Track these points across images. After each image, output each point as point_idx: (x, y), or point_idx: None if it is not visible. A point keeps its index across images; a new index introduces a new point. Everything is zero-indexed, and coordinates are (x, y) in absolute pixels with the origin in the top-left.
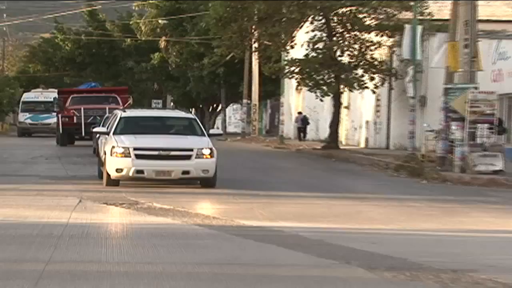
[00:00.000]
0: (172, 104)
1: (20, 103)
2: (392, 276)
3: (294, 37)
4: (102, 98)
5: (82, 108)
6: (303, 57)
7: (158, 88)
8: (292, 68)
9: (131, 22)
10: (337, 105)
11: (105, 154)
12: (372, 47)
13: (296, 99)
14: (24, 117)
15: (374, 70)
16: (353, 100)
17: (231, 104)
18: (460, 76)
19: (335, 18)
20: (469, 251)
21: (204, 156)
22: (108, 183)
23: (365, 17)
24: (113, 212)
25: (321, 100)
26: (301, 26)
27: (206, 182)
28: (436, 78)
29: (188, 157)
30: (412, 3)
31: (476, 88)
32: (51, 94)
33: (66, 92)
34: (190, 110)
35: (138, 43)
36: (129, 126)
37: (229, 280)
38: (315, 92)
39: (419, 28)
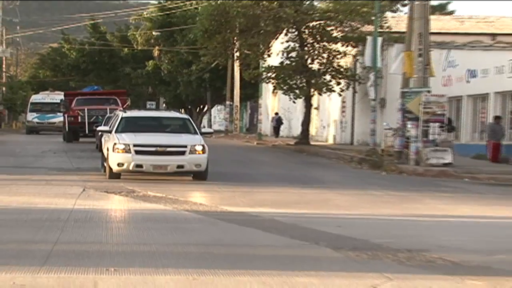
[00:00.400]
0: (164, 105)
1: (29, 104)
2: (355, 255)
3: (270, 47)
4: (104, 100)
5: (86, 109)
6: (279, 65)
7: (152, 91)
8: (269, 74)
9: (128, 34)
10: (308, 106)
11: (108, 150)
12: (339, 56)
13: (272, 101)
14: (31, 117)
15: (340, 76)
16: (322, 102)
17: (216, 105)
18: (415, 81)
19: (306, 30)
20: (422, 233)
21: (197, 152)
22: (110, 176)
23: (332, 29)
24: (113, 200)
25: (294, 102)
26: (277, 38)
27: (199, 176)
28: (394, 83)
29: (183, 153)
30: (373, 18)
31: (428, 91)
32: (56, 96)
33: (72, 94)
34: (180, 110)
35: (134, 52)
36: (129, 125)
37: (214, 259)
38: (289, 95)
39: (379, 40)
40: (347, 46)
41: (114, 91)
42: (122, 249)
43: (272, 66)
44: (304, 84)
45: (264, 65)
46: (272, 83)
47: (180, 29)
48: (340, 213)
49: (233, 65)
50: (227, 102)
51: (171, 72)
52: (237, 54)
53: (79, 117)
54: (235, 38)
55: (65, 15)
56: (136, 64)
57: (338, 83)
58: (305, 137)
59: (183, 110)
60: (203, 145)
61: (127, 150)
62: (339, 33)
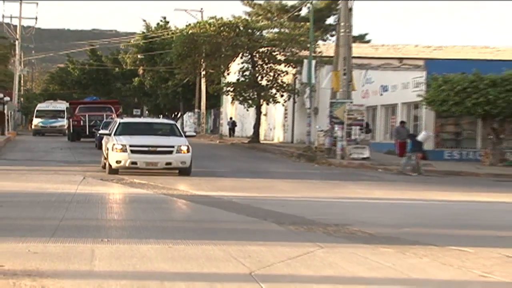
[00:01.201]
0: (147, 112)
1: (35, 111)
2: (294, 229)
3: (229, 67)
4: (101, 108)
5: (86, 115)
6: (235, 81)
7: (137, 101)
8: (228, 88)
9: (119, 57)
10: (258, 113)
11: (108, 150)
12: (282, 74)
13: (230, 109)
14: (37, 121)
15: (283, 90)
16: (269, 110)
17: (187, 112)
18: (341, 94)
19: (257, 54)
20: (346, 212)
21: (182, 152)
22: (110, 172)
23: (277, 54)
24: (106, 186)
25: (247, 110)
26: (234, 60)
27: (183, 171)
28: (325, 95)
29: (170, 152)
30: (308, 45)
31: (351, 102)
32: (58, 105)
33: (75, 103)
34: (159, 116)
35: (123, 71)
36: (125, 129)
37: (185, 232)
38: (243, 105)
39: (313, 62)
40: (288, 66)
41: (109, 101)
42: (114, 224)
43: (230, 82)
44: (255, 96)
45: (224, 82)
46: (231, 95)
47: (159, 53)
48: (283, 196)
49: (200, 81)
50: (196, 110)
51: (152, 87)
52: (204, 73)
53: (81, 121)
54: (202, 60)
55: (70, 42)
56: (125, 80)
57: (282, 95)
58: (256, 137)
59: (161, 116)
60: (187, 146)
61: (124, 150)
62: (282, 56)
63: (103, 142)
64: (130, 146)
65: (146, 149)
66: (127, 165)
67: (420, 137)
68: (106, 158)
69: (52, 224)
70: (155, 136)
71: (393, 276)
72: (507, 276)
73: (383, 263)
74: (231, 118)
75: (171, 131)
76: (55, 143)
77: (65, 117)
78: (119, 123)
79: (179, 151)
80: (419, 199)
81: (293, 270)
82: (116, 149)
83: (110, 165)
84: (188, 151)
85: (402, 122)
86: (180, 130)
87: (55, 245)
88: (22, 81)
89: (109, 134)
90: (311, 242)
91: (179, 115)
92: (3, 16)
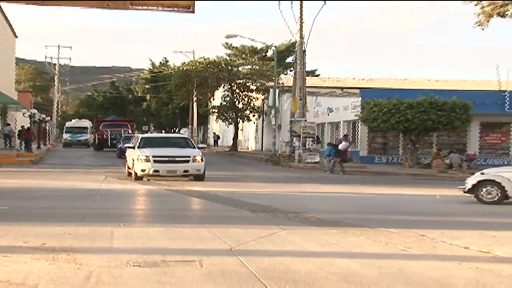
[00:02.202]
0: (153, 128)
1: (64, 127)
2: (264, 215)
3: (214, 94)
4: (120, 125)
5: (108, 130)
6: (219, 105)
7: (146, 120)
8: (213, 110)
9: (131, 86)
10: (236, 128)
11: (133, 160)
12: (254, 100)
13: (215, 125)
14: (66, 136)
15: (254, 111)
16: (244, 126)
17: (182, 128)
18: (298, 114)
19: (235, 85)
20: (302, 202)
21: (197, 161)
22: (136, 179)
23: (250, 84)
24: (123, 184)
25: (228, 126)
26: (218, 89)
27: (198, 177)
28: (286, 115)
29: (187, 161)
30: (273, 78)
31: (305, 120)
32: (82, 123)
33: (100, 121)
34: (162, 131)
35: (135, 97)
36: (147, 143)
37: (181, 218)
38: (225, 122)
39: (277, 90)
40: (258, 94)
41: (125, 119)
42: (128, 212)
43: (215, 105)
44: (234, 116)
45: (210, 105)
46: (215, 115)
47: (162, 84)
48: (255, 190)
49: (193, 105)
50: (189, 126)
51: (157, 109)
52: (195, 98)
53: (104, 135)
54: (194, 89)
55: (95, 76)
56: (136, 104)
57: (254, 115)
58: (234, 146)
59: (164, 131)
60: (201, 156)
61: (147, 160)
62: (254, 86)
63: (127, 153)
64: (153, 156)
65: (166, 159)
66: (150, 173)
67: (340, 146)
68: (130, 167)
69: (82, 212)
70: (173, 148)
71: (337, 251)
72: (422, 249)
73: (330, 240)
74: (214, 133)
75: (186, 143)
76: (83, 152)
77: (88, 132)
78: (141, 137)
79: (194, 160)
80: (356, 192)
81: (263, 246)
82: (141, 159)
83: (135, 173)
84: (202, 160)
85: (345, 135)
86: (194, 143)
87: (84, 228)
88: (59, 105)
89: (133, 147)
90: (276, 225)
91: (177, 130)
92: (45, 57)
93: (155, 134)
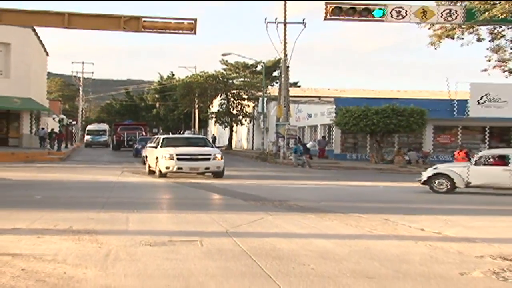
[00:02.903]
0: (162, 131)
1: (86, 130)
2: (254, 203)
3: (212, 102)
4: (135, 128)
5: (125, 133)
6: (217, 111)
7: (155, 124)
8: (212, 116)
9: (144, 96)
10: (230, 131)
11: (156, 158)
12: (246, 106)
13: (214, 128)
14: (87, 137)
15: (246, 117)
16: (238, 129)
17: (186, 130)
18: (282, 119)
19: (230, 94)
20: (286, 192)
21: (217, 159)
22: (160, 176)
23: (242, 94)
24: (136, 177)
25: (224, 129)
26: (215, 98)
27: (218, 174)
28: (272, 120)
29: (208, 159)
30: (262, 89)
31: (289, 124)
32: (101, 126)
33: (117, 125)
34: (169, 132)
35: (147, 105)
36: (168, 142)
37: (185, 205)
38: (222, 126)
39: (265, 99)
40: (250, 102)
41: (140, 123)
42: (141, 201)
43: (213, 111)
44: (229, 121)
45: (209, 111)
46: (214, 120)
47: (169, 94)
48: (247, 182)
49: (195, 111)
50: (192, 129)
51: (165, 115)
52: (197, 106)
53: (121, 137)
54: (195, 98)
55: (113, 87)
56: (148, 110)
57: (246, 120)
58: (229, 146)
59: (170, 133)
60: (221, 154)
61: (171, 158)
62: (246, 95)
63: (147, 153)
64: (177, 154)
65: (189, 156)
66: (174, 169)
67: (308, 145)
68: (151, 166)
69: (102, 200)
70: (194, 147)
71: (315, 232)
72: (385, 231)
73: (309, 224)
74: (213, 135)
75: (204, 143)
76: (103, 151)
77: (107, 134)
78: (163, 138)
79: (215, 158)
80: (331, 184)
81: (253, 229)
82: (165, 157)
83: (160, 170)
84: (221, 158)
85: (323, 137)
86: (211, 142)
87: (104, 214)
88: (83, 112)
89: (156, 147)
90: (264, 211)
91: (182, 132)
92: (72, 72)
93: (175, 135)
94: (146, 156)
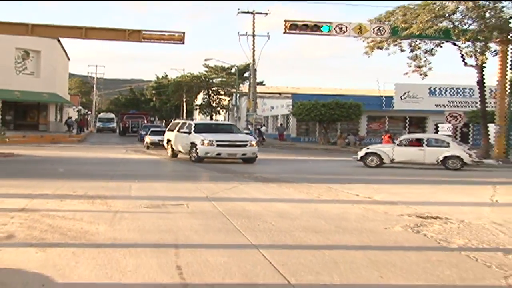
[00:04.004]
0: (157, 119)
1: (97, 118)
2: (228, 175)
3: (197, 97)
4: (138, 117)
5: (130, 121)
6: (200, 104)
7: (152, 114)
8: (196, 107)
9: (143, 91)
10: (211, 119)
11: (193, 144)
12: (223, 100)
13: (198, 117)
14: (98, 124)
15: (223, 108)
16: (217, 117)
17: (177, 119)
18: (251, 110)
19: (210, 91)
20: (254, 167)
21: (253, 145)
22: (196, 161)
23: (220, 90)
24: (138, 154)
25: (205, 118)
26: (199, 93)
27: (251, 160)
28: (243, 111)
29: (245, 145)
30: (235, 87)
31: (256, 114)
32: (110, 114)
33: (123, 114)
34: (163, 120)
35: (146, 98)
36: (200, 129)
37: (178, 177)
38: (204, 115)
39: (238, 95)
40: (226, 96)
41: (142, 113)
42: (140, 173)
43: (198, 104)
44: (210, 111)
45: (194, 104)
46: (198, 110)
47: (163, 90)
48: (229, 161)
49: (183, 104)
50: (181, 118)
51: (160, 106)
52: (184, 100)
53: (127, 124)
54: (184, 94)
55: (120, 85)
56: (146, 103)
57: (223, 111)
58: None
59: (164, 121)
60: (255, 141)
61: (211, 144)
62: (223, 92)
63: (171, 137)
64: (216, 141)
65: (227, 143)
66: (214, 155)
67: (262, 129)
68: (176, 149)
69: (110, 173)
70: (229, 134)
71: (275, 197)
72: (329, 196)
73: (271, 191)
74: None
75: (235, 130)
76: (111, 136)
77: (114, 122)
78: (194, 124)
79: (251, 145)
80: (289, 159)
81: (227, 195)
82: (204, 143)
83: (198, 155)
84: (256, 144)
85: (281, 124)
86: (240, 129)
87: (112, 183)
88: (96, 104)
89: (189, 133)
90: (237, 182)
91: (173, 120)
92: (87, 72)
93: (204, 121)
94: (168, 140)
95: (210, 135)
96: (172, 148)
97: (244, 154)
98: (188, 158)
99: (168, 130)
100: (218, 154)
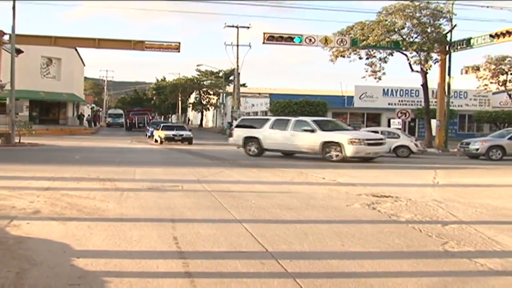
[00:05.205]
0: (157, 115)
1: (107, 114)
2: (216, 162)
3: (190, 96)
4: (143, 113)
5: (136, 117)
6: (193, 102)
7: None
8: (190, 105)
9: (146, 92)
10: (202, 115)
11: (333, 143)
12: (212, 99)
13: (191, 113)
14: (108, 119)
15: (212, 105)
16: (207, 114)
17: (173, 115)
18: (235, 107)
19: (201, 91)
20: (237, 155)
21: (383, 144)
22: (339, 160)
23: (210, 91)
24: (141, 144)
25: (197, 113)
26: (192, 93)
27: (376, 157)
28: (229, 108)
29: (383, 144)
30: (222, 88)
31: (240, 111)
32: (118, 111)
33: (129, 111)
34: (162, 116)
35: (147, 98)
36: (321, 126)
37: (172, 163)
38: (196, 111)
39: (224, 94)
40: (214, 96)
41: (147, 109)
42: (143, 160)
43: (191, 102)
44: (201, 108)
45: (188, 102)
46: (191, 108)
47: (162, 91)
48: (212, 148)
49: (178, 102)
50: (177, 114)
51: (159, 104)
52: (180, 99)
53: (133, 120)
54: (179, 94)
55: (126, 86)
56: (148, 102)
57: (212, 108)
58: (201, 125)
59: (163, 116)
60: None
61: (361, 143)
62: (212, 92)
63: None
64: (367, 139)
65: (373, 141)
66: (363, 154)
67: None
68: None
69: (118, 160)
70: (350, 131)
71: (255, 180)
72: (300, 179)
73: (252, 175)
74: (188, 119)
75: (344, 126)
76: (119, 130)
77: (123, 117)
78: (312, 121)
79: (384, 143)
80: None
81: (215, 178)
82: (354, 143)
83: (346, 155)
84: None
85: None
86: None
87: (119, 168)
88: (106, 102)
89: (312, 131)
90: (223, 167)
91: (170, 116)
92: (99, 76)
93: (319, 117)
94: (249, 138)
95: (357, 133)
96: (260, 145)
97: (379, 152)
98: (183, 148)
99: (242, 127)
100: (367, 153)
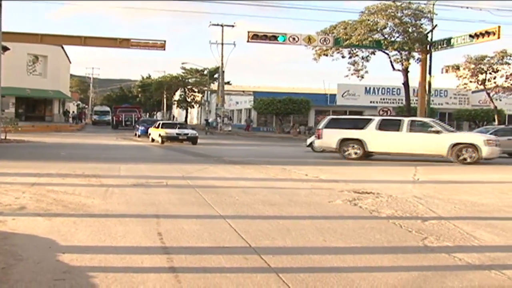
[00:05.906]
0: (142, 112)
1: (93, 111)
2: (200, 158)
3: (175, 93)
4: (131, 110)
5: (123, 114)
6: (178, 99)
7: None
8: (175, 102)
9: (131, 89)
10: (186, 112)
11: (473, 145)
12: (197, 97)
13: (176, 110)
14: (94, 117)
15: (197, 103)
16: (191, 111)
17: (158, 112)
18: (220, 105)
19: (186, 88)
20: (222, 151)
21: None
22: (471, 163)
23: (195, 88)
24: (126, 141)
25: (182, 111)
26: (177, 90)
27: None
28: (213, 105)
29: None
30: (207, 86)
31: (224, 108)
32: (104, 108)
33: (116, 107)
34: (147, 113)
35: (133, 95)
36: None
37: (164, 160)
38: (181, 109)
39: (209, 92)
40: (199, 93)
41: (135, 106)
42: (128, 156)
43: (175, 99)
44: (185, 105)
45: (173, 99)
46: (176, 105)
47: (148, 88)
48: (201, 147)
49: (164, 99)
50: (162, 111)
51: (145, 101)
52: (165, 96)
53: (120, 118)
54: (164, 91)
55: (112, 83)
56: (133, 99)
57: (196, 105)
58: (186, 122)
59: (148, 113)
60: None
61: (495, 145)
62: (197, 89)
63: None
64: (497, 140)
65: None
66: (495, 155)
67: (210, 120)
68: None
69: (103, 156)
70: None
71: (239, 176)
72: (283, 175)
73: (235, 171)
74: (173, 116)
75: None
76: (105, 127)
77: (109, 115)
78: (433, 121)
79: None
80: (252, 144)
81: (200, 174)
82: (489, 143)
83: (482, 156)
84: None
85: (249, 117)
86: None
87: (105, 164)
88: (92, 99)
89: (437, 132)
90: (207, 164)
91: (155, 113)
92: (85, 73)
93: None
94: (351, 139)
95: (485, 135)
96: (363, 147)
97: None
98: (169, 145)
99: (333, 128)
100: (498, 155)
